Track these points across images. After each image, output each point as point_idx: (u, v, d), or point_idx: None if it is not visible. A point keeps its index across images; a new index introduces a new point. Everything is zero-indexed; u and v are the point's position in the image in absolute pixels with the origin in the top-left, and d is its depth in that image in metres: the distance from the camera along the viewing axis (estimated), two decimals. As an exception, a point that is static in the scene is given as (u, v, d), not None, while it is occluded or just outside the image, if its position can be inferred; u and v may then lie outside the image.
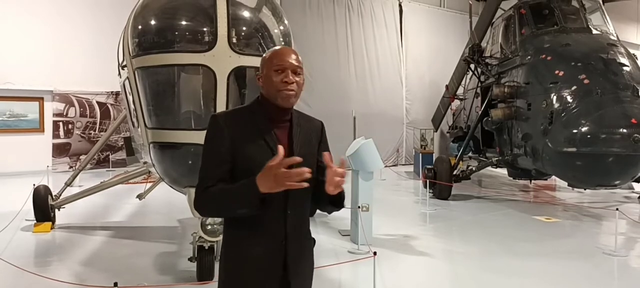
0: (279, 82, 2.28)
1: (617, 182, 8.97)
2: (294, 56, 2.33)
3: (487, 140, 12.89)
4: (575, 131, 8.49)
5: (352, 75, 18.96)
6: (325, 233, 8.15)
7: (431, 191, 11.48)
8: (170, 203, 9.95)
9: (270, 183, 2.06)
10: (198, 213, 2.34)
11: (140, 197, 10.01)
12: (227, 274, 2.38)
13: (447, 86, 16.42)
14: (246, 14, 5.60)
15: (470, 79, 15.43)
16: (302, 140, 2.39)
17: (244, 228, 2.32)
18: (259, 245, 2.31)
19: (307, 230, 2.51)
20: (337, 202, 2.39)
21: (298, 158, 2.10)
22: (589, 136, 8.34)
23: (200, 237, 5.35)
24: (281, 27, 5.81)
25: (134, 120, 6.13)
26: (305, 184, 2.07)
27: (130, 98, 5.99)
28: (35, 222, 8.30)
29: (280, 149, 2.08)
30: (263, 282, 2.32)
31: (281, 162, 2.04)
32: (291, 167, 2.07)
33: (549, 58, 10.06)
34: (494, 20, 13.46)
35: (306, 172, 2.05)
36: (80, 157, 15.50)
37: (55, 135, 16.00)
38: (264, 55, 2.38)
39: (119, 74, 6.87)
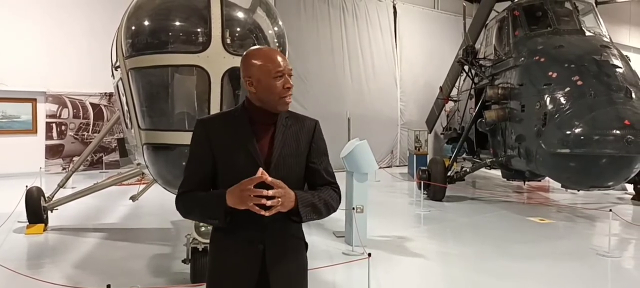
0: (282, 89, 2.27)
1: (610, 184, 9.01)
2: (284, 58, 2.31)
3: (481, 142, 12.91)
4: (568, 132, 8.52)
5: (347, 77, 18.95)
6: (319, 235, 8.13)
7: (425, 192, 11.49)
8: (164, 204, 9.88)
9: (235, 199, 2.10)
10: (178, 210, 2.38)
11: (133, 198, 9.96)
12: (208, 276, 2.42)
13: (441, 88, 16.46)
14: (240, 15, 5.59)
15: (464, 80, 15.47)
16: (285, 142, 2.33)
17: (223, 230, 2.32)
18: (235, 248, 2.30)
19: (294, 232, 2.42)
20: (294, 215, 2.22)
21: (279, 183, 2.10)
22: (582, 137, 8.37)
23: (194, 238, 5.32)
24: (275, 28, 5.81)
25: (128, 121, 6.11)
26: (265, 213, 2.07)
27: (123, 99, 5.97)
28: (27, 224, 8.23)
29: (260, 171, 2.09)
30: (238, 286, 2.30)
31: (250, 180, 2.06)
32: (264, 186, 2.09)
33: (542, 60, 10.09)
34: (487, 22, 13.50)
35: (267, 193, 2.05)
36: (74, 158, 15.37)
37: (48, 136, 15.90)
38: (251, 58, 2.29)
39: (113, 75, 6.84)
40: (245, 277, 2.29)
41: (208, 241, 5.43)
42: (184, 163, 5.19)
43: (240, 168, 2.21)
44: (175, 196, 2.34)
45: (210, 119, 2.41)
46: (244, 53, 2.37)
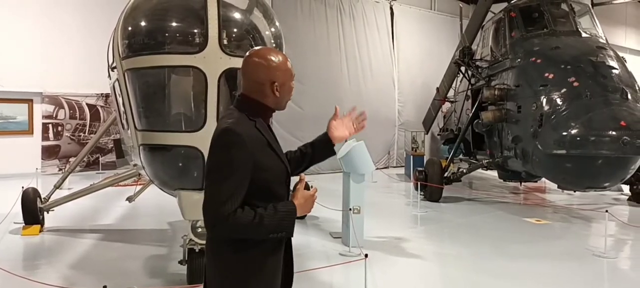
0: (292, 90, 2.42)
1: (606, 184, 9.03)
2: None
3: (477, 143, 12.93)
4: (564, 133, 8.54)
5: (345, 77, 18.94)
6: (316, 236, 8.14)
7: (422, 193, 11.49)
8: (161, 205, 9.87)
9: (304, 210, 2.32)
10: (218, 233, 2.24)
11: (130, 199, 9.96)
12: (243, 276, 2.28)
13: (437, 89, 16.48)
14: (237, 15, 5.58)
15: (460, 81, 15.50)
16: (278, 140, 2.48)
17: None
18: (271, 246, 2.31)
19: None
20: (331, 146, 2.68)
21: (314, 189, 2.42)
22: (578, 138, 8.39)
23: (190, 239, 5.31)
24: (272, 29, 5.80)
25: (124, 122, 6.10)
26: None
27: (120, 100, 5.95)
28: (23, 224, 8.21)
29: (302, 176, 2.37)
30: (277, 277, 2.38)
31: (307, 191, 2.31)
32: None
33: (538, 61, 10.11)
34: (484, 23, 13.52)
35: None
36: (70, 159, 15.35)
37: (45, 137, 15.86)
38: (272, 63, 2.30)
39: (109, 75, 6.83)
40: (281, 268, 2.39)
41: (205, 242, 5.42)
42: (180, 164, 5.24)
43: (273, 171, 2.30)
44: (218, 217, 2.11)
45: (238, 125, 2.21)
46: (255, 55, 2.33)
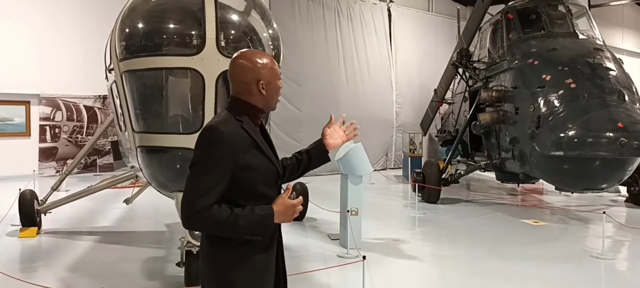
0: (279, 89, 2.46)
1: (604, 186, 9.05)
2: None
3: (475, 144, 12.94)
4: (562, 135, 8.55)
5: (342, 79, 18.93)
6: (314, 237, 8.13)
7: (420, 195, 11.50)
8: (158, 207, 9.87)
9: (284, 218, 2.31)
10: (191, 226, 2.28)
11: (127, 201, 9.94)
12: (235, 278, 2.31)
13: (435, 90, 16.49)
14: (235, 17, 5.57)
15: (458, 83, 15.52)
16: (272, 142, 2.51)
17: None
18: (263, 249, 2.36)
19: None
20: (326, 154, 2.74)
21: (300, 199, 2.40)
22: (576, 140, 8.40)
23: (188, 241, 5.30)
24: (270, 31, 5.80)
25: (121, 124, 6.09)
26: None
27: (117, 102, 5.95)
28: (20, 227, 8.19)
29: (290, 186, 2.42)
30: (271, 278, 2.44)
31: (292, 201, 2.32)
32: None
33: (536, 62, 10.13)
34: (481, 25, 13.54)
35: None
36: (67, 161, 15.28)
37: (42, 139, 15.84)
38: (257, 62, 2.36)
39: (106, 77, 6.81)
40: (273, 268, 2.45)
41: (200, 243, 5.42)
42: (177, 166, 5.23)
43: (259, 171, 2.31)
44: (192, 209, 2.15)
45: (222, 124, 2.26)
46: (240, 57, 2.40)
